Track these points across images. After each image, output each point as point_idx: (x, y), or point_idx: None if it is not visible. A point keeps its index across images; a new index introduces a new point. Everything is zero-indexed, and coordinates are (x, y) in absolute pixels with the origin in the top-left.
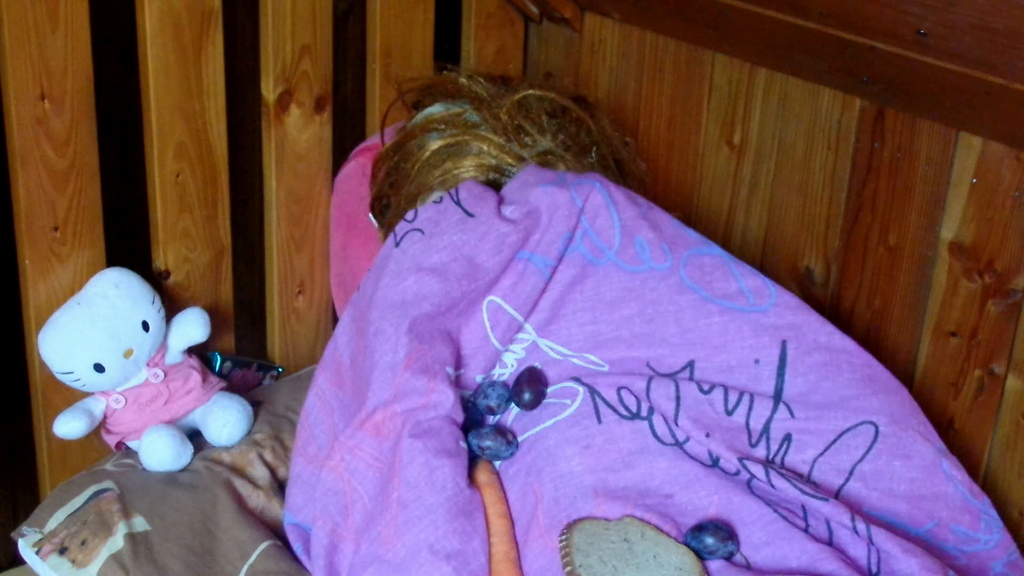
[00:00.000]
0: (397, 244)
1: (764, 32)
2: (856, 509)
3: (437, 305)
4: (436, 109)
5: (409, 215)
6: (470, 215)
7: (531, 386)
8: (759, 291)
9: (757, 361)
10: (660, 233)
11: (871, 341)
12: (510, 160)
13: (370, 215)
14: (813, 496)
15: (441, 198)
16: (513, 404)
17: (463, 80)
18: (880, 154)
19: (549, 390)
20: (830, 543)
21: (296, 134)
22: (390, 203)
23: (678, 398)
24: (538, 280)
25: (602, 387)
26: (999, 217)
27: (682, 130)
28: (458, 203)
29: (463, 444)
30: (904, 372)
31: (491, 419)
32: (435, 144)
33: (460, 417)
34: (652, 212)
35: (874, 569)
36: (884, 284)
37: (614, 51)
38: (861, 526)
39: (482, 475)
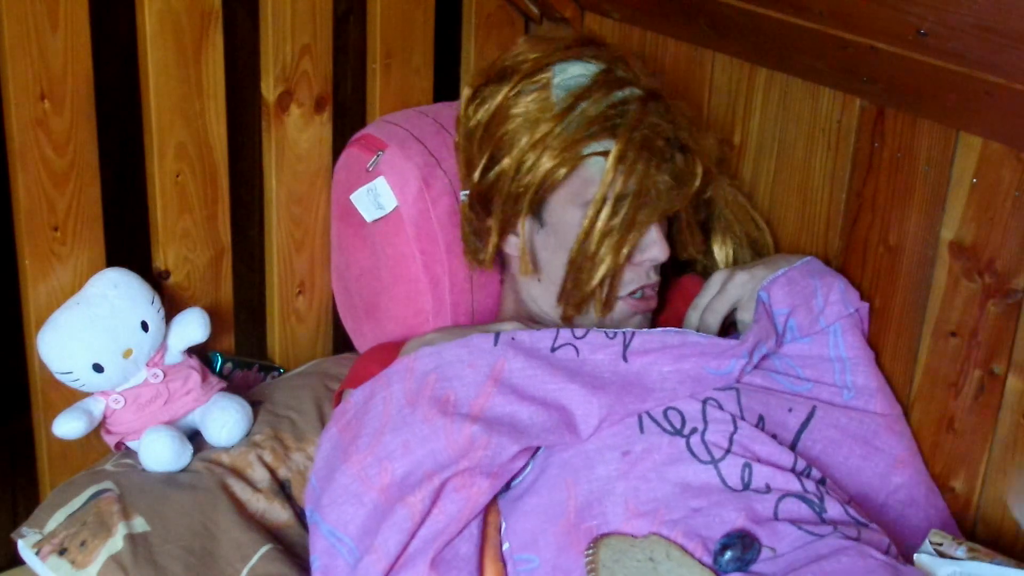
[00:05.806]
0: (553, 350)
1: (764, 32)
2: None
3: (556, 425)
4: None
5: (579, 332)
6: (625, 360)
7: None
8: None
9: (790, 410)
10: None
11: (871, 341)
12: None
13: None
14: (857, 520)
15: (615, 334)
16: None
17: (597, 46)
18: (880, 154)
19: None
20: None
21: (296, 134)
22: (500, 164)
23: (735, 424)
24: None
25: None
26: (999, 217)
27: None
28: (626, 347)
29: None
30: (904, 372)
31: None
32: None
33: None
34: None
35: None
36: (884, 284)
37: None
38: (894, 550)
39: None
